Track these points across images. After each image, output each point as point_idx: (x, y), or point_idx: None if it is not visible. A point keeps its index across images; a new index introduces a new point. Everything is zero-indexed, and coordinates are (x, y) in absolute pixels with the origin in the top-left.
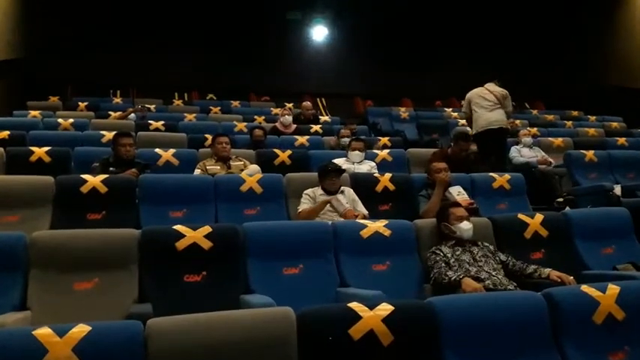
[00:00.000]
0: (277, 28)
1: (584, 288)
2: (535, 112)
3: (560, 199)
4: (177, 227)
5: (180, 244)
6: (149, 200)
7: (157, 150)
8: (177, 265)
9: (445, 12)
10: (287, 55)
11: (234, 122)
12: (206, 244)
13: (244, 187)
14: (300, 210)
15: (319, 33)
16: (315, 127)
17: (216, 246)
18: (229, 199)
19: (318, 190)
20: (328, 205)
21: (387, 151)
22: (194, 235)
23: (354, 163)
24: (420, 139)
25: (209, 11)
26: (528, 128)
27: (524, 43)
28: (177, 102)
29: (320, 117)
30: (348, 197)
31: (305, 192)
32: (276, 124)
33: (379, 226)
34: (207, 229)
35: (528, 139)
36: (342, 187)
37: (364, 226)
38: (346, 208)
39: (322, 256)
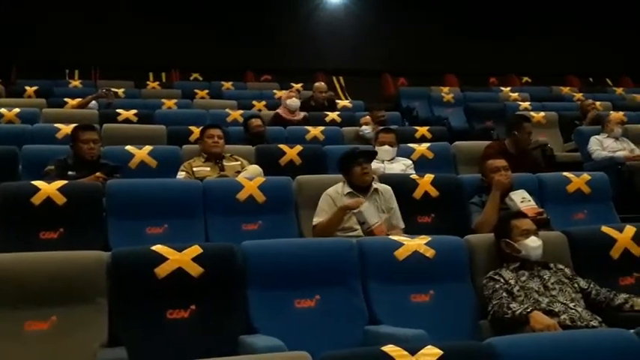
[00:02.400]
0: None
1: None
2: (620, 90)
3: None
4: (158, 248)
5: (162, 270)
6: (120, 213)
7: (128, 147)
8: (158, 298)
9: None
10: (293, 23)
11: (227, 110)
12: (195, 270)
13: (242, 195)
14: (315, 222)
15: None
16: (332, 115)
17: (208, 272)
18: (223, 210)
19: (345, 188)
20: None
21: (427, 145)
22: (179, 259)
23: (384, 162)
24: (469, 129)
25: None
26: (611, 112)
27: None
28: (153, 84)
29: (337, 101)
30: (382, 202)
31: (326, 192)
32: (279, 110)
33: (419, 244)
34: (195, 249)
35: (619, 130)
36: (375, 185)
37: (400, 245)
38: (374, 223)
39: (345, 285)
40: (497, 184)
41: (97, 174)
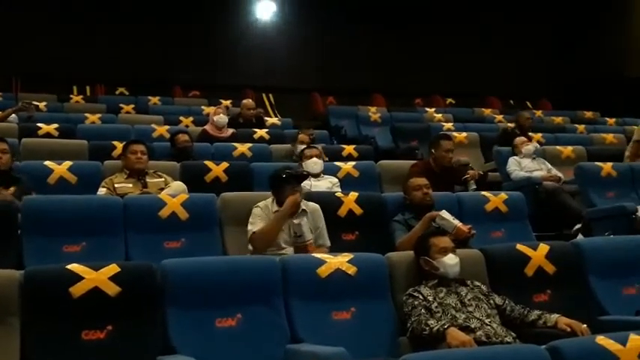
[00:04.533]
0: (211, 2)
1: (601, 340)
2: (539, 112)
3: (578, 226)
4: (73, 267)
5: (77, 290)
6: (36, 231)
7: (47, 163)
8: (72, 318)
9: None
10: (223, 38)
11: (153, 125)
12: (112, 290)
13: (165, 212)
14: (253, 230)
15: (265, 9)
16: (260, 132)
17: (126, 291)
18: (144, 228)
19: (274, 206)
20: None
21: (353, 163)
22: (95, 277)
23: (310, 179)
24: (395, 148)
25: None
26: (530, 134)
27: (525, 24)
28: (77, 98)
29: (266, 119)
30: (310, 222)
31: (256, 206)
32: (206, 126)
33: (341, 261)
34: (113, 268)
35: (530, 148)
36: (303, 206)
37: (322, 262)
38: (309, 239)
39: (267, 303)
40: (419, 204)
41: (9, 191)
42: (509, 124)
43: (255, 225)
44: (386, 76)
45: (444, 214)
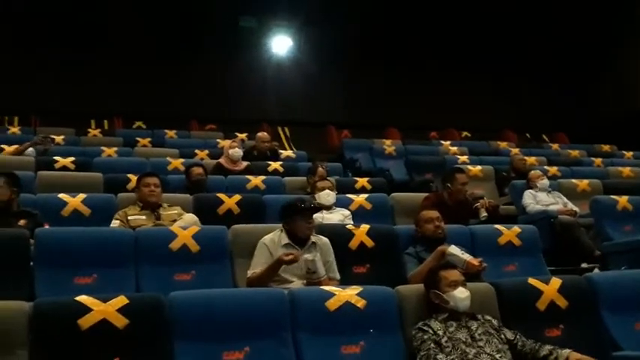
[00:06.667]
0: (227, 38)
1: None
2: (555, 146)
3: (585, 265)
4: (81, 298)
5: (85, 322)
6: (48, 262)
7: (61, 195)
8: (80, 351)
9: (444, 22)
10: (240, 73)
11: (168, 158)
12: (120, 322)
13: (176, 244)
14: (249, 274)
15: (281, 45)
16: (274, 165)
17: (134, 324)
18: (155, 260)
19: (282, 238)
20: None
21: (365, 195)
22: (104, 309)
23: (322, 212)
24: (409, 181)
25: (138, 13)
26: (546, 167)
27: (541, 59)
28: (94, 132)
29: (281, 151)
30: (320, 255)
31: (262, 241)
32: (221, 159)
33: (350, 294)
34: (121, 300)
35: (544, 182)
36: (313, 239)
37: (331, 295)
38: (322, 275)
39: (275, 336)
40: (431, 236)
41: (22, 221)
42: (503, 173)
43: (255, 266)
44: (401, 111)
45: (453, 249)
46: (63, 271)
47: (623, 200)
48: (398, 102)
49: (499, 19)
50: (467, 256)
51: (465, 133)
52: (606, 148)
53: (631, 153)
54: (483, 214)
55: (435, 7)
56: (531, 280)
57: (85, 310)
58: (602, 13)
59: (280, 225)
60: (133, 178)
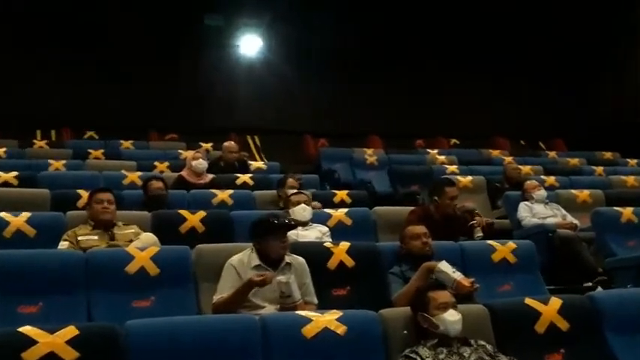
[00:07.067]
0: (191, 37)
1: None
2: (553, 154)
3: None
4: (26, 329)
5: (30, 355)
6: None
7: (3, 214)
8: None
9: (433, 17)
10: (205, 76)
11: (123, 172)
12: (69, 355)
13: (132, 267)
14: (215, 300)
15: (251, 45)
16: (243, 177)
17: (85, 357)
18: (109, 285)
19: (253, 259)
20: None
21: (345, 210)
22: (51, 341)
23: (297, 228)
24: (393, 193)
25: (87, 9)
26: (543, 176)
27: (540, 59)
28: (40, 143)
29: (250, 163)
30: (295, 277)
31: (229, 262)
32: (183, 172)
33: (329, 320)
34: (71, 331)
35: (541, 193)
36: (287, 259)
37: (308, 321)
38: (298, 299)
39: None
40: (430, 266)
41: None
42: (496, 184)
43: (221, 290)
44: (384, 116)
45: (443, 265)
46: (4, 299)
47: (627, 212)
48: (380, 107)
49: (495, 17)
50: (457, 275)
51: (453, 141)
52: (608, 155)
53: (635, 161)
54: (479, 233)
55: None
56: (528, 301)
57: (30, 342)
58: (602, 13)
59: (250, 244)
60: (84, 194)
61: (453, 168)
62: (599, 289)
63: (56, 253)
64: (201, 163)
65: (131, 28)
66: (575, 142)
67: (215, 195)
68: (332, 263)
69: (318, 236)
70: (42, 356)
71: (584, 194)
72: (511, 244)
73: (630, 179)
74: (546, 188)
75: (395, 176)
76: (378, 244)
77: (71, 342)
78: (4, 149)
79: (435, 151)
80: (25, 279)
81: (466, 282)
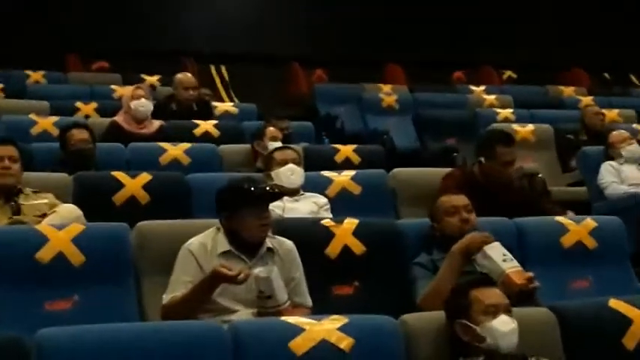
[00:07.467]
0: None
1: None
2: None
3: None
4: None
5: None
6: None
7: None
8: None
9: None
10: None
11: (32, 116)
12: None
13: (46, 254)
14: (165, 301)
15: None
16: (205, 125)
17: None
18: (14, 278)
19: (220, 243)
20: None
21: (352, 173)
22: None
23: (283, 199)
24: (420, 150)
25: None
26: (636, 125)
27: None
28: None
29: (215, 104)
30: (280, 269)
31: (186, 247)
32: (117, 117)
33: (329, 329)
34: None
35: (633, 149)
36: (268, 243)
37: (298, 331)
38: (284, 301)
39: None
40: (466, 244)
41: None
42: (569, 135)
43: (174, 287)
44: (408, 36)
45: (491, 249)
46: None
47: None
48: (402, 22)
49: None
50: (508, 265)
51: (508, 74)
52: None
53: None
54: None
55: None
56: (614, 303)
57: None
58: None
59: (216, 222)
60: None
61: (507, 113)
62: None
63: None
64: (144, 104)
65: None
66: None
67: (164, 150)
68: (333, 249)
69: (312, 210)
70: None
71: None
72: (590, 222)
73: None
74: None
75: (423, 125)
76: (399, 222)
77: None
78: None
79: (481, 88)
80: None
81: (519, 276)
